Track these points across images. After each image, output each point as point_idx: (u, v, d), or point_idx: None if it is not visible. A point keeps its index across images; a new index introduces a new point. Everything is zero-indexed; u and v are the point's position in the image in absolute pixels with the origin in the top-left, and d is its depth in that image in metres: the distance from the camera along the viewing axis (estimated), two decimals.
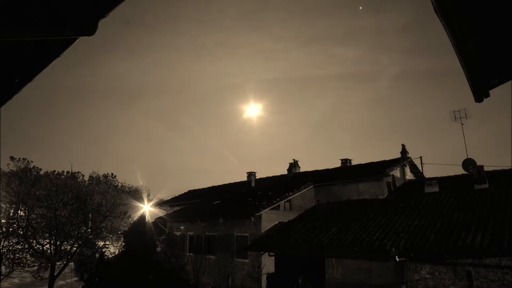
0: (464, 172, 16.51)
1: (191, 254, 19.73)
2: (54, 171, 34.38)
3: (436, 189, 14.91)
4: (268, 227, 16.65)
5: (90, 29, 2.17)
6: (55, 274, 16.42)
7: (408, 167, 20.30)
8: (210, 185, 32.43)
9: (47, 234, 16.97)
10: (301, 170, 26.19)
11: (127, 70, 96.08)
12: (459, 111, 19.21)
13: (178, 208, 27.46)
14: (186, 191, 34.42)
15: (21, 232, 16.94)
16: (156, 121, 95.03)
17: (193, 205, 25.91)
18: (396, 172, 18.78)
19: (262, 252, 15.29)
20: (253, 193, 22.79)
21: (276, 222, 17.07)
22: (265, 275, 15.56)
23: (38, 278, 16.62)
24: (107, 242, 20.14)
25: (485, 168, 14.45)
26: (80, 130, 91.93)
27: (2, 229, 16.31)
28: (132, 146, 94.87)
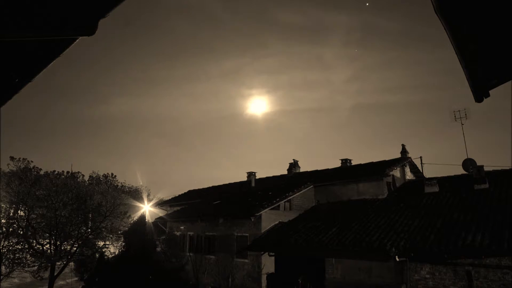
0: (464, 172, 16.49)
1: (191, 254, 19.73)
2: (54, 171, 34.46)
3: (436, 189, 14.90)
4: (268, 227, 16.65)
5: (90, 29, 2.17)
6: (55, 274, 16.42)
7: (408, 167, 20.30)
8: (210, 185, 32.46)
9: (47, 234, 16.97)
10: (301, 170, 26.19)
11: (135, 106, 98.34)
12: (459, 111, 19.16)
13: (178, 208, 27.46)
14: (186, 191, 34.42)
15: (21, 232, 16.93)
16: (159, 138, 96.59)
17: (193, 205, 25.91)
18: (396, 172, 18.78)
19: (262, 252, 15.29)
20: (253, 193, 22.78)
21: (276, 222, 17.07)
22: (265, 275, 15.56)
23: (38, 278, 16.61)
24: (107, 242, 20.15)
25: (485, 168, 14.45)
26: (80, 129, 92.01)
27: (2, 229, 16.31)
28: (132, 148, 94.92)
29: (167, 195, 39.33)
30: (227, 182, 31.39)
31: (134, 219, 21.14)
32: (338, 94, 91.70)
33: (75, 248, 17.44)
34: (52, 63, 2.54)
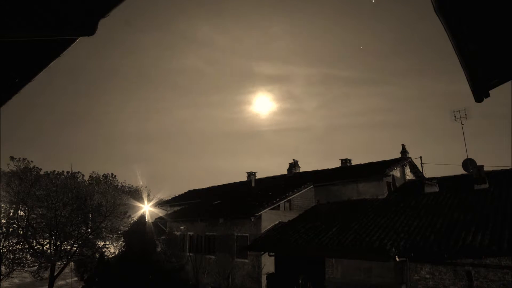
0: (464, 172, 16.49)
1: (191, 254, 19.73)
2: (54, 171, 34.45)
3: (436, 189, 14.90)
4: (268, 227, 16.65)
5: (90, 29, 2.17)
6: (55, 274, 16.41)
7: (408, 167, 20.30)
8: (210, 185, 32.46)
9: (47, 234, 16.96)
10: (301, 170, 26.19)
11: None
12: (459, 111, 19.18)
13: (178, 208, 27.46)
14: (186, 191, 34.43)
15: (21, 232, 16.93)
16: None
17: (193, 205, 25.92)
18: (396, 172, 18.78)
19: (262, 252, 15.29)
20: (253, 193, 22.79)
21: (276, 222, 17.07)
22: (265, 275, 15.56)
23: (38, 278, 16.60)
24: (107, 242, 20.15)
25: (485, 168, 14.45)
26: (79, 130, 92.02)
27: (2, 229, 16.31)
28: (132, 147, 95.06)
29: (167, 195, 39.29)
30: (227, 182, 31.44)
31: (134, 219, 21.14)
32: (312, 118, 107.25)
33: (75, 248, 17.44)
34: (52, 63, 2.54)
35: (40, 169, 36.50)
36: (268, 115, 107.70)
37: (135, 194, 41.85)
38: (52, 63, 2.56)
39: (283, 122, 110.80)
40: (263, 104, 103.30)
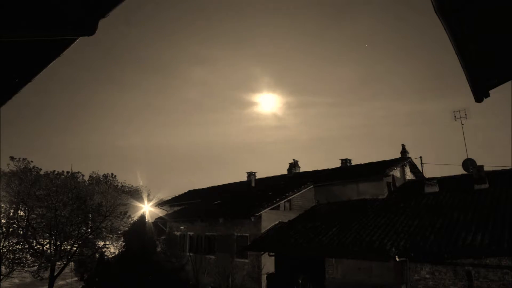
0: (464, 172, 16.50)
1: (191, 254, 19.73)
2: (54, 171, 34.37)
3: (436, 189, 14.90)
4: (268, 227, 16.65)
5: (90, 29, 2.17)
6: (55, 274, 16.42)
7: (408, 167, 20.30)
8: (210, 185, 32.46)
9: (47, 234, 16.97)
10: (301, 170, 26.18)
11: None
12: (459, 111, 19.19)
13: (178, 208, 27.46)
14: (186, 191, 34.42)
15: (21, 232, 16.94)
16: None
17: (193, 205, 25.92)
18: (396, 172, 18.77)
19: (262, 252, 15.29)
20: (253, 193, 22.79)
21: (276, 222, 17.07)
22: (265, 275, 15.56)
23: (38, 278, 16.61)
24: (107, 242, 20.14)
25: (485, 168, 14.44)
26: (79, 130, 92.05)
27: (2, 229, 16.32)
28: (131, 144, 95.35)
29: (167, 195, 39.29)
30: (227, 182, 31.44)
31: (134, 219, 21.12)
32: (295, 133, 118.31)
33: (75, 248, 17.44)
34: (52, 63, 2.53)
35: (40, 169, 36.53)
36: (259, 130, 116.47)
37: (135, 194, 41.85)
38: (52, 63, 2.56)
39: (272, 135, 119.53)
40: (253, 122, 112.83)
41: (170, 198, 34.96)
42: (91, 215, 18.77)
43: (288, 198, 18.45)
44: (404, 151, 20.55)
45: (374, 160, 21.54)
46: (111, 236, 20.30)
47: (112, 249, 20.26)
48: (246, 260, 16.72)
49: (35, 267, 16.40)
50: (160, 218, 25.90)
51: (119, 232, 20.40)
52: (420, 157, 21.11)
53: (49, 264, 16.41)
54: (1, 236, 15.82)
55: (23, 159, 35.66)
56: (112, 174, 47.92)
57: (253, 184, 26.04)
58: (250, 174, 27.92)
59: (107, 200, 19.79)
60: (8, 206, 19.93)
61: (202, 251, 19.46)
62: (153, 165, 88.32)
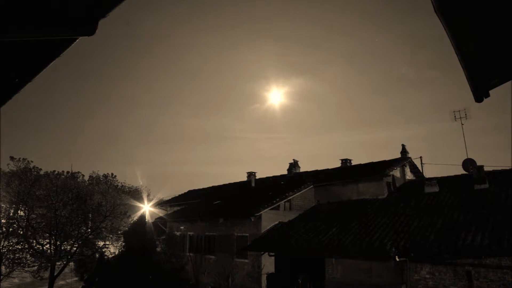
0: (464, 172, 16.49)
1: (191, 254, 19.73)
2: (54, 171, 34.31)
3: (436, 189, 14.89)
4: (268, 227, 16.64)
5: (90, 29, 2.17)
6: (55, 274, 16.42)
7: (408, 167, 20.28)
8: (210, 185, 32.45)
9: (47, 234, 16.97)
10: (301, 170, 26.18)
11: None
12: (459, 111, 19.17)
13: (178, 208, 27.46)
14: (186, 191, 34.41)
15: (21, 232, 16.93)
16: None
17: (193, 205, 25.91)
18: (396, 172, 18.76)
19: (262, 252, 15.29)
20: (253, 193, 22.79)
21: (276, 222, 17.06)
22: (265, 275, 15.56)
23: (38, 278, 16.62)
24: (107, 242, 20.14)
25: (485, 168, 14.44)
26: (79, 129, 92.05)
27: (2, 229, 16.31)
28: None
29: (167, 195, 39.29)
30: (227, 182, 31.43)
31: (134, 219, 21.13)
32: (295, 133, 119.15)
33: (75, 248, 17.45)
34: (52, 63, 2.53)
35: (40, 169, 36.42)
36: (258, 137, 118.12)
37: (135, 194, 41.82)
38: (52, 63, 2.56)
39: (272, 135, 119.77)
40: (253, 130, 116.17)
41: (170, 198, 34.97)
42: (91, 215, 18.77)
43: (288, 198, 18.44)
44: (404, 151, 20.54)
45: (374, 160, 21.55)
46: (111, 236, 20.30)
47: (112, 249, 20.26)
48: (246, 260, 16.72)
49: (35, 267, 16.40)
50: (160, 218, 25.91)
51: (119, 232, 20.39)
52: (420, 157, 21.11)
53: (49, 264, 16.41)
54: (1, 236, 15.82)
55: (23, 159, 35.55)
56: (112, 174, 47.88)
57: (253, 184, 26.04)
58: (250, 174, 27.91)
59: (107, 200, 19.79)
60: (8, 206, 19.92)
61: (202, 251, 19.46)
62: (153, 165, 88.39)
